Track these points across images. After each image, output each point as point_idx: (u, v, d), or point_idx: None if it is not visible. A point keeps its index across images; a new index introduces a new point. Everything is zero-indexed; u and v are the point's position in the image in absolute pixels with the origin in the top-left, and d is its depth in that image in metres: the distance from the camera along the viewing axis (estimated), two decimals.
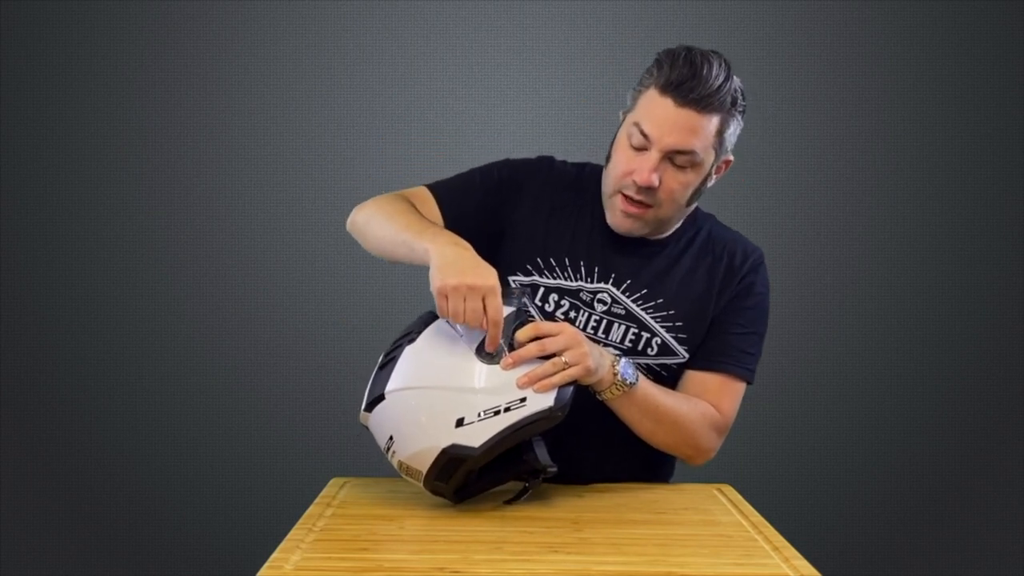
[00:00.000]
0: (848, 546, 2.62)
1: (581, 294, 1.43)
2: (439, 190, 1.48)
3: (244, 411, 2.61)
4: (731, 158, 1.44)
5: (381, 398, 1.25)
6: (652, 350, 1.44)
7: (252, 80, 2.59)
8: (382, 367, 1.27)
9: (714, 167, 1.40)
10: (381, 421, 1.25)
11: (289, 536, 1.13)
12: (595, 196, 1.47)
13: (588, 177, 1.50)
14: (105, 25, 2.57)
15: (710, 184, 1.43)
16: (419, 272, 1.27)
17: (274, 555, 1.06)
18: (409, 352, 1.25)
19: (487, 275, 1.22)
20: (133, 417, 2.61)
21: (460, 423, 1.19)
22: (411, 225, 1.34)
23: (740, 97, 1.37)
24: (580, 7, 2.57)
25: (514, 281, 1.44)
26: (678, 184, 1.36)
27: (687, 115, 1.32)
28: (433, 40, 2.60)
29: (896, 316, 2.63)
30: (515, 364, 1.21)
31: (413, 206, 1.43)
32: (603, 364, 1.30)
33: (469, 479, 1.25)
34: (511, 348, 1.23)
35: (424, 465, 1.21)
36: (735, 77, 1.35)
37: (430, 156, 2.59)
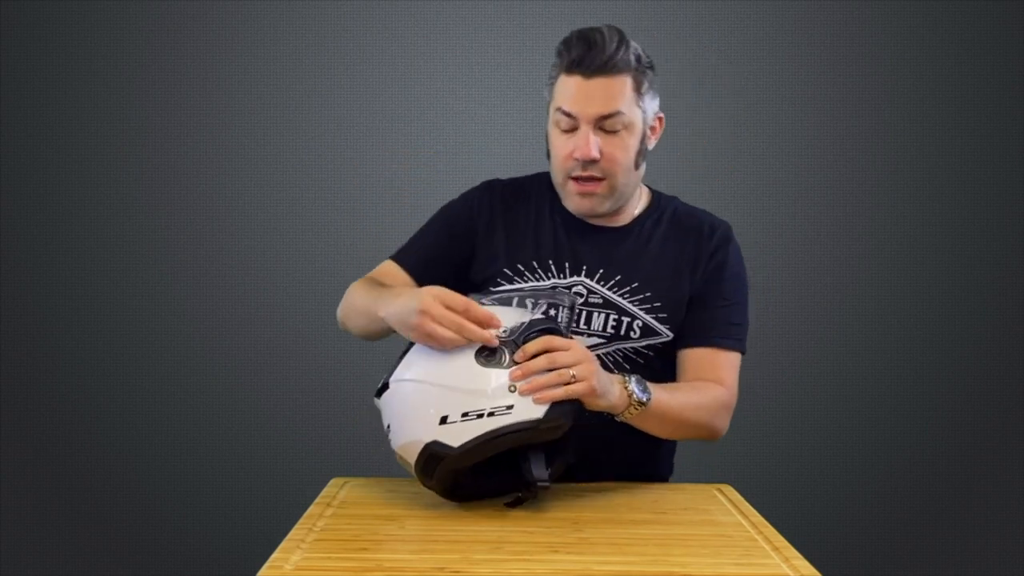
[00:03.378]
0: (848, 546, 2.63)
1: (557, 291, 1.45)
2: (401, 259, 1.54)
3: (244, 411, 2.61)
4: (662, 115, 1.48)
5: (387, 386, 1.26)
6: (635, 333, 1.45)
7: (252, 80, 2.59)
8: (401, 355, 1.28)
9: (647, 127, 1.45)
10: (384, 408, 1.27)
11: (289, 536, 1.13)
12: (548, 194, 1.52)
13: (535, 180, 1.56)
14: (105, 25, 2.57)
15: (651, 146, 1.48)
16: None
17: (274, 555, 1.06)
18: (417, 346, 1.26)
19: (414, 302, 1.22)
20: (133, 417, 2.61)
21: (444, 421, 1.18)
22: (369, 303, 1.38)
23: (644, 56, 1.42)
24: (580, 7, 2.57)
25: (492, 291, 1.47)
26: (618, 149, 1.40)
27: (599, 83, 1.38)
28: (433, 40, 2.60)
29: (896, 316, 2.63)
30: (523, 376, 1.19)
31: (378, 282, 1.48)
32: (612, 390, 1.28)
33: (460, 479, 1.24)
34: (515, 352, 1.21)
35: (412, 457, 1.22)
36: (632, 42, 1.41)
37: (430, 156, 2.60)
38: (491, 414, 1.17)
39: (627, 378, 1.31)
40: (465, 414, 1.18)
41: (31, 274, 2.60)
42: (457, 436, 1.17)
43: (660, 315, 1.46)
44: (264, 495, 2.58)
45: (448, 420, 1.18)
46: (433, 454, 1.18)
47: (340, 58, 2.60)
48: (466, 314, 1.20)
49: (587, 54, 1.37)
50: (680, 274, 1.47)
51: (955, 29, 2.60)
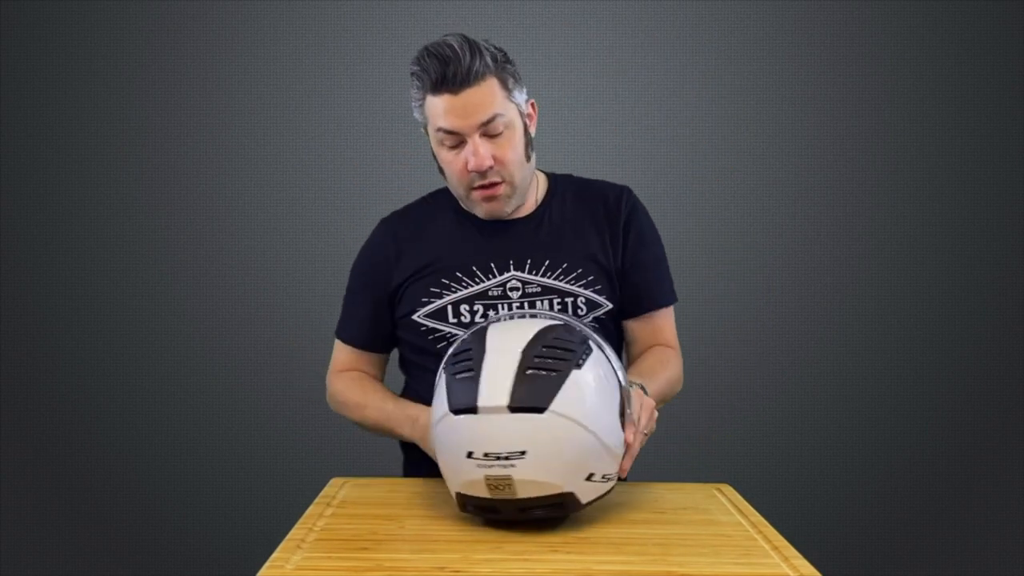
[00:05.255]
0: (848, 546, 2.63)
1: (489, 292, 1.47)
2: (347, 337, 1.61)
3: (244, 411, 2.61)
4: (533, 100, 1.51)
5: (539, 410, 1.09)
6: (582, 310, 1.48)
7: (252, 80, 2.59)
8: (550, 371, 1.12)
9: (524, 118, 1.47)
10: (524, 429, 1.10)
11: (289, 536, 1.13)
12: (449, 206, 1.55)
13: (429, 199, 1.60)
14: (105, 25, 2.57)
15: (533, 132, 1.50)
16: None
17: (274, 555, 1.06)
18: (575, 377, 1.12)
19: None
20: (133, 417, 2.61)
21: (590, 477, 1.14)
22: (382, 422, 1.49)
23: (498, 52, 1.42)
24: (580, 7, 2.57)
25: (424, 309, 1.48)
26: (507, 150, 1.43)
27: (468, 94, 1.38)
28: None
29: (896, 316, 2.63)
30: (630, 460, 1.21)
31: (359, 382, 1.57)
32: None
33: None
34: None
35: (535, 492, 1.11)
36: (481, 43, 1.41)
37: (430, 156, 2.59)
38: (608, 479, 1.17)
39: (639, 388, 1.33)
40: (606, 476, 1.16)
41: (31, 274, 2.60)
42: (588, 493, 1.14)
43: (596, 287, 1.49)
44: (264, 495, 2.58)
45: (593, 477, 1.14)
46: (563, 504, 1.13)
47: (340, 58, 2.60)
48: None
49: (446, 71, 1.37)
50: (601, 246, 1.51)
51: (955, 29, 2.60)
